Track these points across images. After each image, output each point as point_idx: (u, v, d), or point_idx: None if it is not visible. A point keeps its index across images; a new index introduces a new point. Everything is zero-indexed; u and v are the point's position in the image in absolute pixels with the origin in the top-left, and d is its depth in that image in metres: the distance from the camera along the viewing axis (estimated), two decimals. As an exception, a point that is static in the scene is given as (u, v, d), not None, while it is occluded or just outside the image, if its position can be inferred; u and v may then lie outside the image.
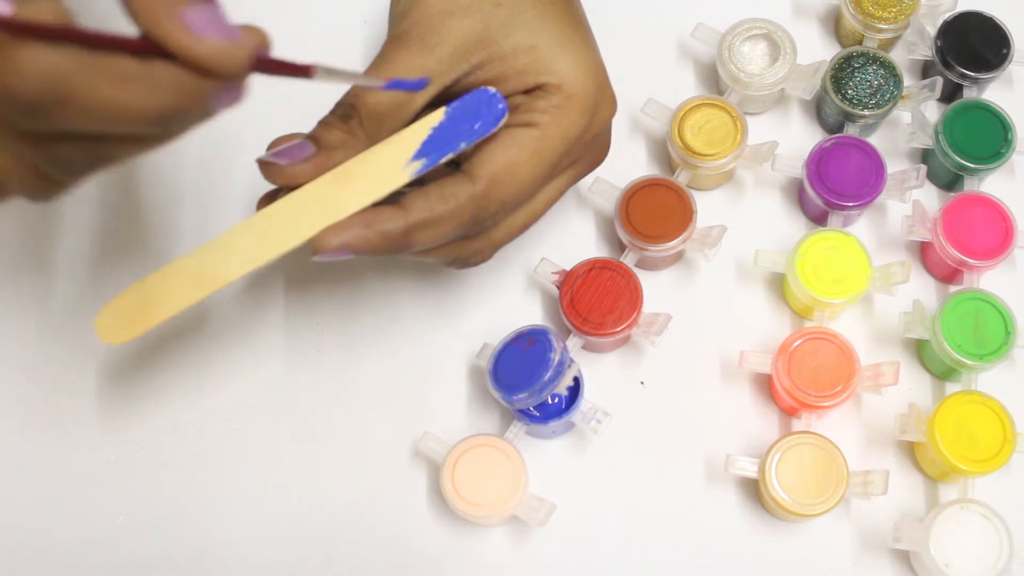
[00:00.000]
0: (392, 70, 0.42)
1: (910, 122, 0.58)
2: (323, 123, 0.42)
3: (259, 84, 0.60)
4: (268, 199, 0.42)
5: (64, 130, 0.31)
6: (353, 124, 0.41)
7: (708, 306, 0.57)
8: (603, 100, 0.45)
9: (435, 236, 0.42)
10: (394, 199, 0.41)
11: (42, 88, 0.29)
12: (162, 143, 0.33)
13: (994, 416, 0.51)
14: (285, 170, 0.40)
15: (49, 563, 0.53)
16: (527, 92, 0.44)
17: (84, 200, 0.58)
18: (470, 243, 0.45)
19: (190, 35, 0.30)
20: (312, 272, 0.57)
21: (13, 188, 0.34)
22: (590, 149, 0.46)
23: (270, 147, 0.41)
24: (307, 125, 0.42)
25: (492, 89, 0.42)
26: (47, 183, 0.34)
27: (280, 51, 0.61)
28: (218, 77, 0.31)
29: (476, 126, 0.41)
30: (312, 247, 0.40)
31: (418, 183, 0.42)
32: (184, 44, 0.30)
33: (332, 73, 0.36)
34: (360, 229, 0.40)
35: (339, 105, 0.42)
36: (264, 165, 0.41)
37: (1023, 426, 0.51)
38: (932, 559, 0.49)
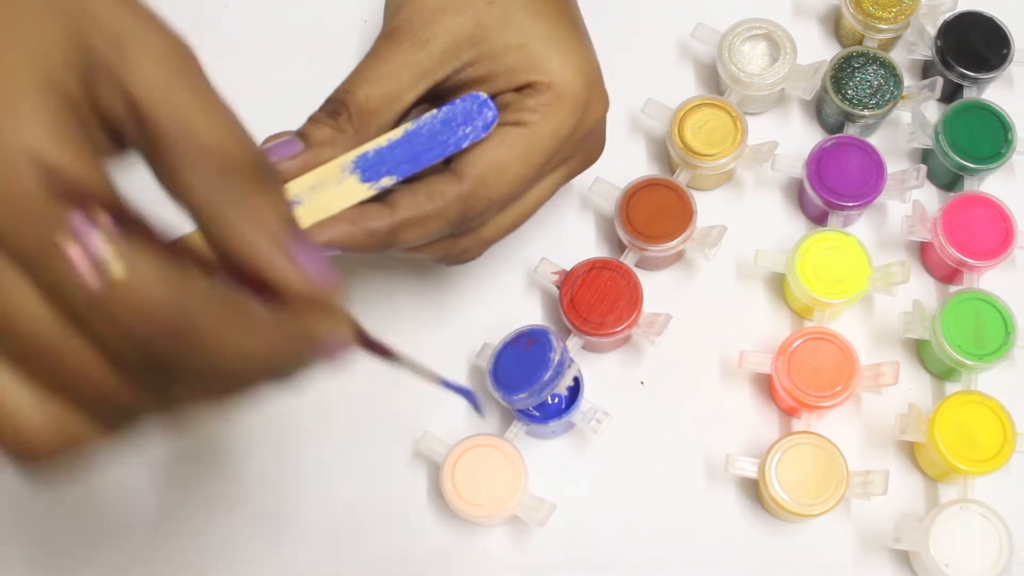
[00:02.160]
0: (383, 66, 0.42)
1: (910, 122, 0.58)
2: (312, 120, 0.42)
3: (253, 84, 0.60)
4: None
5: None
6: (342, 120, 0.41)
7: (708, 306, 0.57)
8: (594, 98, 0.45)
9: (421, 234, 0.42)
10: (382, 196, 0.41)
11: (164, 323, 0.25)
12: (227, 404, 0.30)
13: (994, 416, 0.51)
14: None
15: (49, 563, 0.53)
16: (517, 90, 0.44)
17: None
18: (459, 241, 0.45)
19: (299, 270, 0.28)
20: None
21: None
22: (582, 147, 0.46)
23: (262, 145, 0.41)
24: (299, 124, 0.42)
25: (483, 95, 0.42)
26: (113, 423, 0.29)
27: (280, 51, 0.62)
28: (320, 310, 0.28)
29: (465, 131, 0.42)
30: None
31: (408, 180, 0.42)
32: (300, 285, 0.28)
33: (413, 367, 0.35)
34: (346, 226, 0.40)
35: (328, 101, 0.42)
36: None
37: (1023, 426, 0.51)
38: (932, 559, 0.49)
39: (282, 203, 0.29)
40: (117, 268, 0.25)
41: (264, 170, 0.29)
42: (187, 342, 0.26)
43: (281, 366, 0.28)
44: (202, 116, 0.28)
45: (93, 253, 0.25)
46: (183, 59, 0.29)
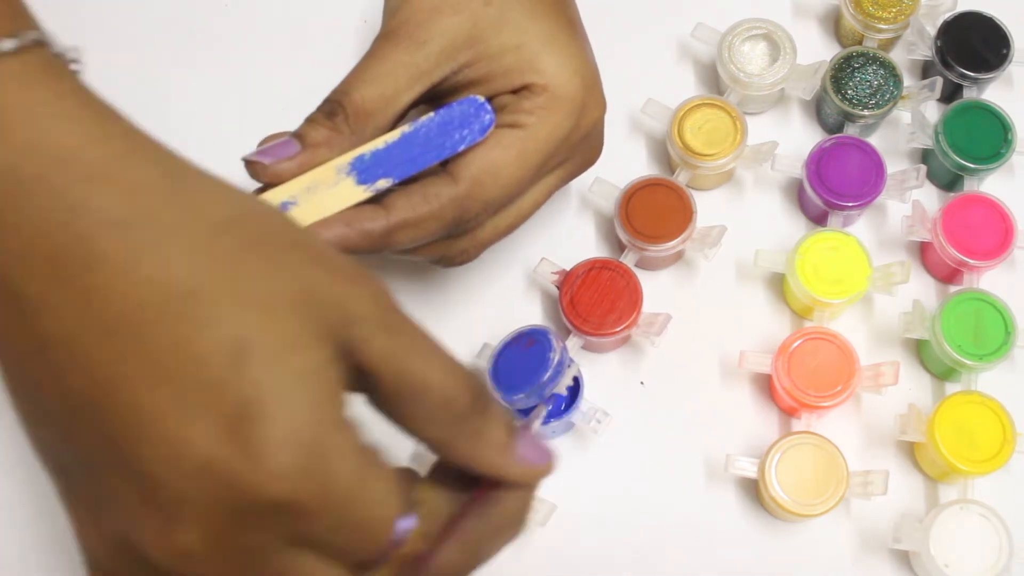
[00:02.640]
0: (380, 67, 0.42)
1: (910, 122, 0.58)
2: (309, 120, 0.42)
3: (253, 84, 0.60)
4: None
5: None
6: (338, 121, 0.41)
7: (708, 306, 0.57)
8: (591, 100, 0.45)
9: (417, 236, 0.42)
10: (378, 198, 0.41)
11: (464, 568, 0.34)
12: None
13: (994, 416, 0.51)
14: (269, 168, 0.40)
15: (49, 563, 0.53)
16: (514, 92, 0.44)
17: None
18: (455, 242, 0.45)
19: (529, 472, 0.35)
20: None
21: None
22: (579, 150, 0.46)
23: (259, 145, 0.41)
24: (298, 124, 0.42)
25: (481, 98, 0.42)
26: None
27: (280, 50, 0.62)
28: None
29: (462, 135, 0.42)
30: None
31: (403, 183, 0.42)
32: (528, 480, 0.35)
33: None
34: (341, 228, 0.40)
35: (325, 102, 0.42)
36: (249, 163, 0.41)
37: (1023, 426, 0.51)
38: (932, 559, 0.49)
39: (501, 415, 0.34)
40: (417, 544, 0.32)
41: (483, 396, 0.33)
42: (473, 561, 0.34)
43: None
44: (427, 370, 0.32)
45: (402, 540, 0.32)
46: (396, 314, 0.32)
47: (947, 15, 0.58)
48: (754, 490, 0.53)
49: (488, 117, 0.42)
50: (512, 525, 0.35)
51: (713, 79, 0.61)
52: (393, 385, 0.31)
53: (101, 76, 0.35)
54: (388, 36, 0.43)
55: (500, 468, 0.34)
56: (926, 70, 0.61)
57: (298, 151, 0.41)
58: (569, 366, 0.50)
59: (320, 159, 0.41)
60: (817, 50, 0.61)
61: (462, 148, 0.42)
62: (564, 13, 0.45)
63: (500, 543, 0.35)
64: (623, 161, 0.58)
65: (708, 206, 0.56)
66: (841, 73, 0.57)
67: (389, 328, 0.31)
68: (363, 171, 0.41)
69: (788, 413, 0.55)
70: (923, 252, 0.58)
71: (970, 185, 0.57)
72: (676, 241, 0.54)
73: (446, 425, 0.32)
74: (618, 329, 0.53)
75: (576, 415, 0.52)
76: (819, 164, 0.56)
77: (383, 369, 0.31)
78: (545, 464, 0.35)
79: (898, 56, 0.60)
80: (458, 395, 0.32)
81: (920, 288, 0.57)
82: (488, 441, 0.33)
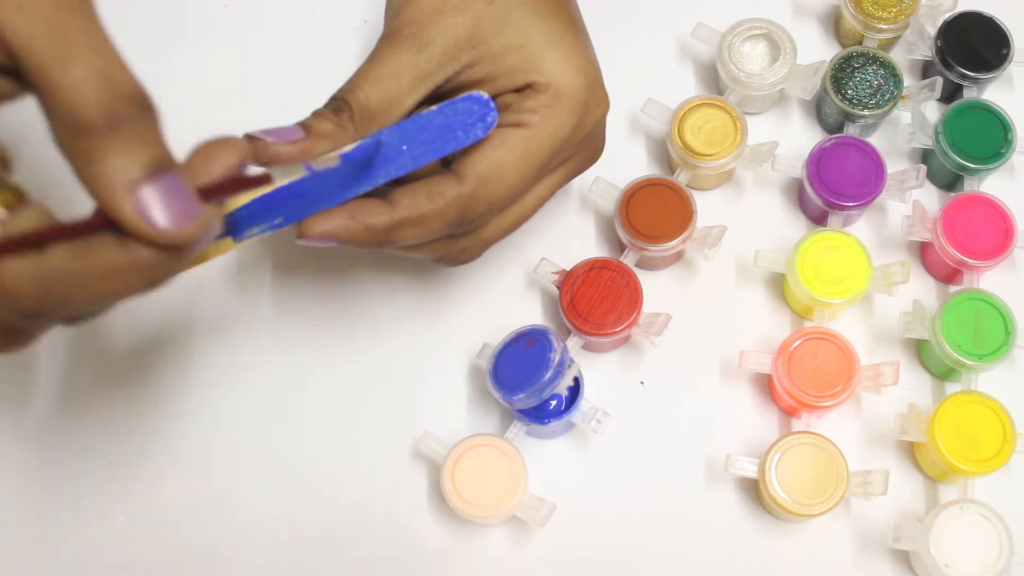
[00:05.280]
0: (383, 67, 0.42)
1: (910, 122, 0.58)
2: (315, 113, 0.42)
3: (253, 84, 0.60)
4: None
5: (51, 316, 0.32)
6: (343, 118, 0.42)
7: (708, 306, 0.57)
8: (593, 99, 0.45)
9: (420, 234, 0.42)
10: (383, 194, 0.41)
11: (35, 295, 0.30)
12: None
13: (994, 416, 0.51)
14: (270, 147, 0.40)
15: (49, 563, 0.53)
16: (517, 91, 0.44)
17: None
18: (458, 241, 0.45)
19: (143, 220, 0.30)
20: (311, 272, 0.57)
21: None
22: (582, 148, 0.46)
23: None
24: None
25: (484, 95, 0.42)
26: (15, 340, 0.34)
27: (280, 50, 0.62)
28: (175, 251, 0.32)
29: (465, 132, 0.41)
30: (297, 232, 0.40)
31: (409, 179, 0.42)
32: (141, 230, 0.31)
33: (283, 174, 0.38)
34: (345, 220, 0.40)
35: (333, 99, 0.42)
36: (251, 139, 0.41)
37: (1023, 426, 0.51)
38: (932, 559, 0.49)
39: (141, 145, 0.31)
40: None
41: (125, 116, 0.30)
42: (49, 300, 0.31)
43: (150, 288, 0.32)
44: (64, 70, 0.29)
45: None
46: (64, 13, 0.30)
47: (947, 15, 0.58)
48: (754, 490, 0.53)
49: (492, 115, 0.41)
50: (107, 278, 0.31)
51: (713, 79, 0.61)
52: (32, 78, 0.29)
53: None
54: (391, 37, 0.43)
55: (110, 203, 0.30)
56: (926, 70, 0.61)
57: (301, 138, 0.41)
58: (569, 366, 0.50)
59: (321, 149, 0.41)
60: (817, 50, 0.61)
61: (464, 145, 0.42)
62: (566, 12, 0.46)
63: (89, 289, 0.31)
64: (623, 161, 0.58)
65: (708, 206, 0.57)
66: (841, 73, 0.57)
67: (38, 15, 0.29)
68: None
69: (788, 413, 0.55)
70: (923, 252, 0.58)
71: (970, 185, 0.57)
72: (676, 241, 0.54)
73: (66, 135, 0.30)
74: (618, 329, 0.53)
75: (576, 415, 0.52)
76: (819, 164, 0.56)
77: (23, 55, 0.29)
78: (171, 228, 0.31)
79: (898, 56, 0.60)
80: (87, 104, 0.29)
81: (920, 288, 0.57)
82: (108, 168, 0.30)
